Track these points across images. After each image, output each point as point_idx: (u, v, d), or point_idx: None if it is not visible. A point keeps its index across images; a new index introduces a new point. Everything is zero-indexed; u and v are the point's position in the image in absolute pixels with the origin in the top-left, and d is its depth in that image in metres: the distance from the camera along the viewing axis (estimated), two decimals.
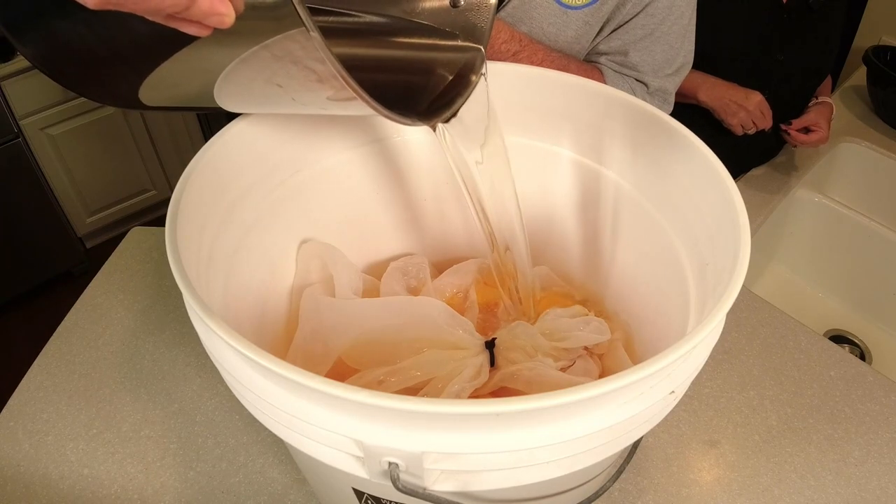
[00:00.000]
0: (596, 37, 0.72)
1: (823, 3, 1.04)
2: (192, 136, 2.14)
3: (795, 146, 1.18)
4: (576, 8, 0.68)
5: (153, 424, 0.66)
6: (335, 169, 0.59)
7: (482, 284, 0.66)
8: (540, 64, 0.66)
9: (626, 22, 0.70)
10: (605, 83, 0.71)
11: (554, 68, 0.64)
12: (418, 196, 0.65)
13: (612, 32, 0.72)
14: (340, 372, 0.55)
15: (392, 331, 0.55)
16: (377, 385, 0.51)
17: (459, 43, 0.47)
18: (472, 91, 0.45)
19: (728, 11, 1.02)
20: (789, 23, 1.04)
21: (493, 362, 0.54)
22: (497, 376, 0.53)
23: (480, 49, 0.47)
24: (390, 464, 0.33)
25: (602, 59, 0.74)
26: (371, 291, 0.62)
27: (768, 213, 1.14)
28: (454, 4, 0.48)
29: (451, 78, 0.46)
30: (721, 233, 0.43)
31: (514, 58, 0.65)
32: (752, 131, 1.05)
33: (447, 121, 0.44)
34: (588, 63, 0.74)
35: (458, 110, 0.45)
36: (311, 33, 0.27)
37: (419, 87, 0.46)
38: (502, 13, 0.69)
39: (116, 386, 0.70)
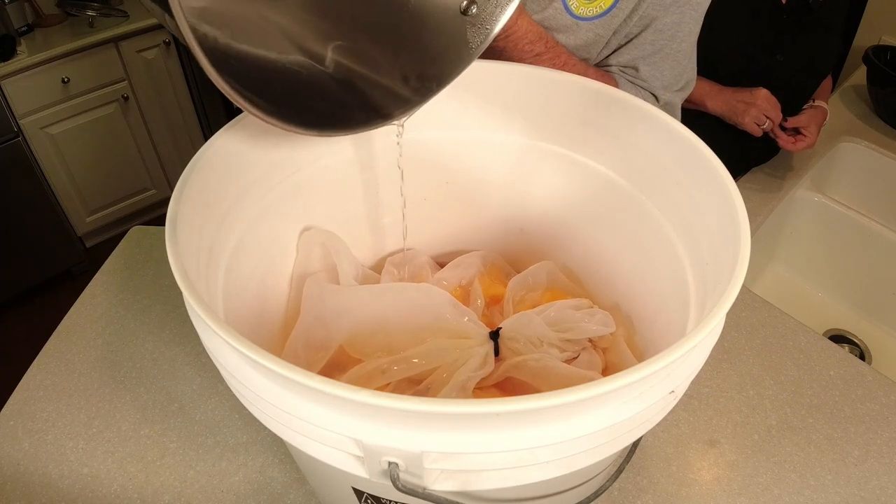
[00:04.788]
0: (603, 49, 0.74)
1: (823, 4, 1.04)
2: (192, 136, 2.15)
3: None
4: (586, 19, 0.70)
5: (153, 423, 0.66)
6: (334, 168, 0.59)
7: (486, 277, 0.65)
8: (562, 67, 0.67)
9: (635, 37, 0.71)
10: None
11: (574, 73, 0.66)
12: (418, 195, 0.65)
13: (621, 47, 0.73)
14: (343, 361, 0.55)
15: (395, 319, 0.55)
16: (381, 374, 0.51)
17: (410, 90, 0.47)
18: (376, 126, 0.46)
19: (728, 12, 1.02)
20: (789, 23, 1.04)
21: (497, 352, 0.54)
22: (502, 367, 0.53)
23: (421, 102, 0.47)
24: (390, 463, 0.33)
25: (614, 70, 0.75)
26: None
27: (768, 213, 1.14)
28: (464, 11, 0.47)
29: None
30: (721, 232, 0.43)
31: (537, 59, 0.66)
32: (767, 126, 1.05)
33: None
34: (605, 71, 0.75)
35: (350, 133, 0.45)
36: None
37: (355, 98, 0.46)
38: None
39: (116, 385, 0.70)
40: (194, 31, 0.31)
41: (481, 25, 0.47)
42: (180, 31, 0.30)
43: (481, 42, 0.48)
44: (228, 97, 0.35)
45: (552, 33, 0.70)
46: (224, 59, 0.37)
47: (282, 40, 0.44)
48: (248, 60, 0.41)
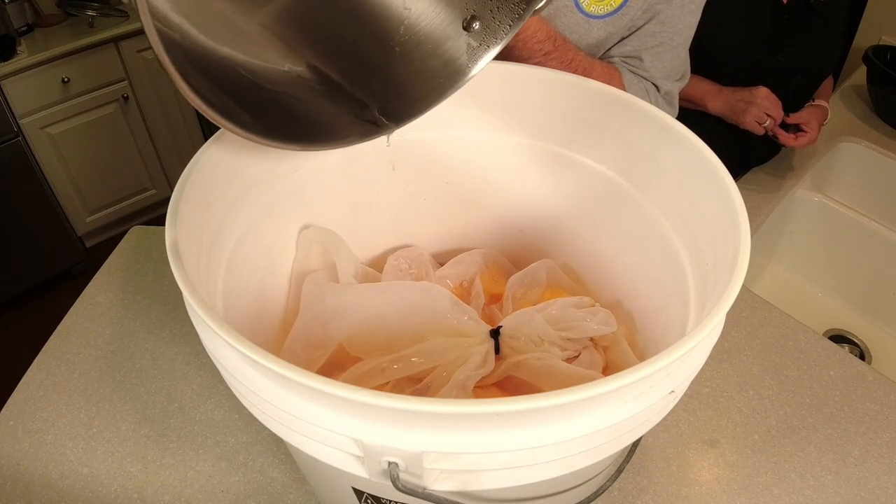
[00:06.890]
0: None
1: (824, 4, 1.04)
2: (192, 136, 2.14)
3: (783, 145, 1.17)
4: (597, 17, 0.70)
5: (153, 423, 0.66)
6: (334, 168, 0.59)
7: (487, 275, 0.65)
8: (569, 64, 0.68)
9: (638, 28, 0.72)
10: (624, 83, 0.73)
11: (580, 70, 0.66)
12: (418, 195, 0.65)
13: (623, 38, 0.74)
14: (342, 360, 0.54)
15: (395, 317, 0.55)
16: (380, 373, 0.51)
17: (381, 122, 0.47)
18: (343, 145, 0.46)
19: (729, 11, 1.02)
20: (790, 23, 1.04)
21: (497, 350, 0.54)
22: (503, 365, 0.53)
23: (391, 127, 0.46)
24: (390, 463, 0.33)
25: (616, 61, 0.75)
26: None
27: (768, 213, 1.14)
28: (466, 27, 0.46)
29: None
30: (721, 233, 0.43)
31: (546, 57, 0.66)
32: (768, 124, 1.05)
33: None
34: (610, 65, 0.75)
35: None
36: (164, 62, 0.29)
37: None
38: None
39: (116, 385, 0.70)
40: (161, 33, 0.31)
41: (483, 42, 0.46)
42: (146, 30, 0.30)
43: (481, 59, 0.46)
44: (196, 106, 0.35)
45: (563, 32, 0.71)
46: (202, 70, 0.37)
47: (263, 55, 0.43)
48: (227, 73, 0.41)
